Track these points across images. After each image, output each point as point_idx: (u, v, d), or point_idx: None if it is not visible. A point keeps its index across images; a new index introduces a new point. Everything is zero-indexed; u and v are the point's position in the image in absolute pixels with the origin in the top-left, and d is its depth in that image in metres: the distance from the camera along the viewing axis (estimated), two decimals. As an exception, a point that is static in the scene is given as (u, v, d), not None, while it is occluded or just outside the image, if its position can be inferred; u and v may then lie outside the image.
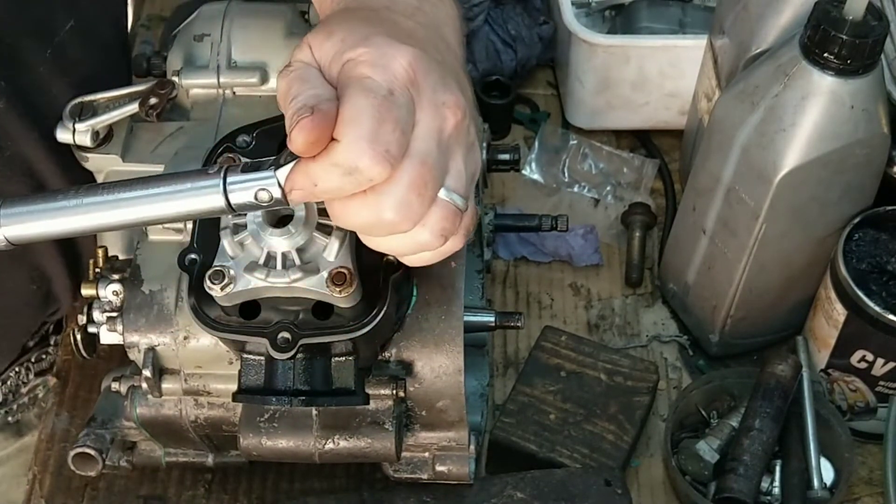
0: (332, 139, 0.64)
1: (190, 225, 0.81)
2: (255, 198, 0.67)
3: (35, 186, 0.96)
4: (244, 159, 0.78)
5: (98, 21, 0.97)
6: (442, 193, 0.68)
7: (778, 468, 0.99)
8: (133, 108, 0.91)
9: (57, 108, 0.91)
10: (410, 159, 0.65)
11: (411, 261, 0.73)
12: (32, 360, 1.12)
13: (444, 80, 0.68)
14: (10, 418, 1.13)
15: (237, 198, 0.67)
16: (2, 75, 0.89)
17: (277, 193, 0.67)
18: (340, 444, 0.86)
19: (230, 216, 0.75)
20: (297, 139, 0.63)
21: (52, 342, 1.13)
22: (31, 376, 1.12)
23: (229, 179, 0.67)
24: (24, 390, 1.13)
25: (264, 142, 0.80)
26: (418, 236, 0.68)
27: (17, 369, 1.10)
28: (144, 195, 0.68)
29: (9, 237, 0.70)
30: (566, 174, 1.25)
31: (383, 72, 0.65)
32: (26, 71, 0.91)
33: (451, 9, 0.82)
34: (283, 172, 0.66)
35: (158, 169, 0.90)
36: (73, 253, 1.03)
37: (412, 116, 0.66)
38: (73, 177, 0.95)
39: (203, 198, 0.67)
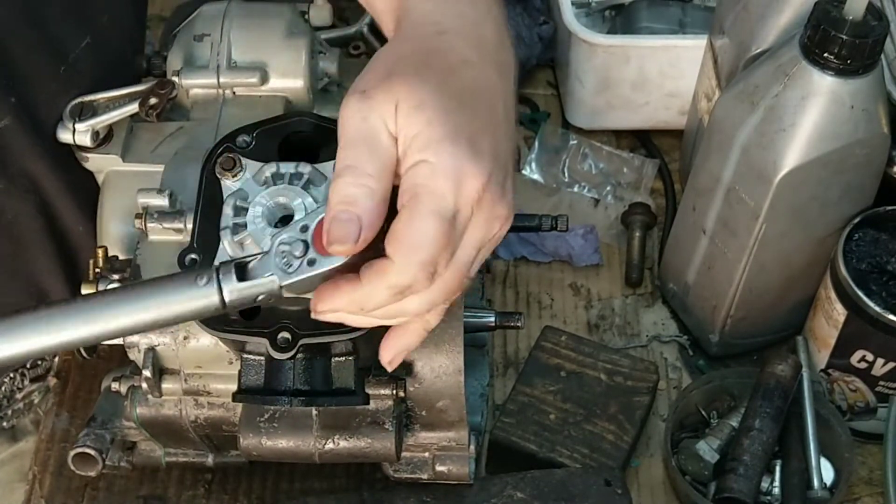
0: (384, 255, 0.66)
1: (190, 225, 0.81)
2: (255, 300, 0.67)
3: (39, 203, 0.95)
4: (244, 160, 0.78)
5: (113, 38, 0.97)
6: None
7: (778, 468, 0.99)
8: (133, 108, 0.91)
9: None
10: (451, 269, 0.68)
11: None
12: (28, 366, 1.11)
13: (503, 191, 0.69)
14: (4, 423, 1.13)
15: (234, 301, 0.67)
16: (11, 92, 0.89)
17: (279, 293, 0.67)
18: (340, 444, 0.86)
19: (231, 217, 0.75)
20: (336, 243, 0.66)
21: None
22: (27, 382, 1.11)
23: (226, 290, 0.66)
24: (18, 396, 1.12)
25: (264, 142, 0.80)
26: (417, 324, 0.73)
27: (11, 375, 1.10)
28: (139, 307, 0.67)
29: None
30: (566, 174, 1.25)
31: (456, 192, 0.66)
32: (37, 87, 0.91)
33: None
34: (290, 279, 0.67)
35: (158, 169, 0.90)
36: (73, 269, 1.03)
37: (464, 232, 0.68)
38: (77, 193, 0.95)
39: (200, 305, 0.67)
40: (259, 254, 0.68)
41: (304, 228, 0.68)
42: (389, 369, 0.75)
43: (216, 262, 0.72)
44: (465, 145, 0.67)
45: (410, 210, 0.66)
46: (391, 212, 0.68)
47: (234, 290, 0.66)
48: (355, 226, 0.65)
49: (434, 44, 0.72)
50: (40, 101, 0.91)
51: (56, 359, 1.11)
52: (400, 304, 0.68)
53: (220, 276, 0.66)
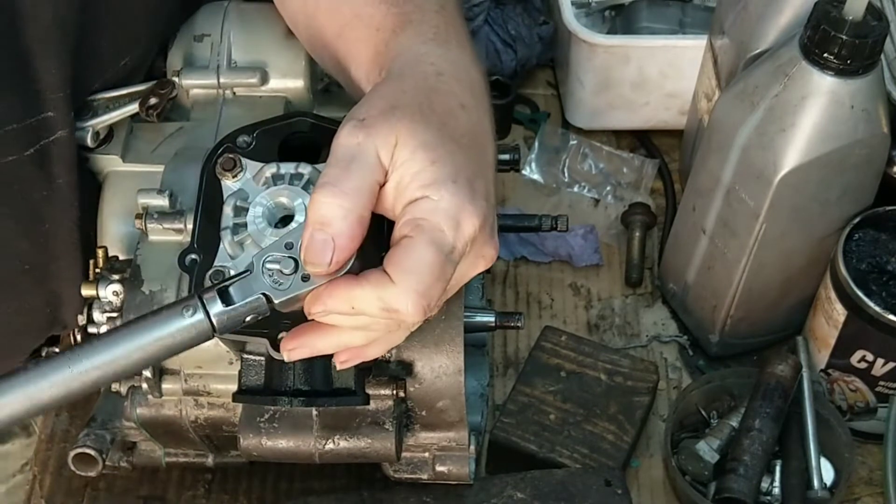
0: (385, 273, 0.67)
1: (190, 225, 0.81)
2: (244, 321, 0.67)
3: (78, 216, 0.95)
4: (245, 160, 0.78)
5: (149, 58, 0.98)
6: None
7: (778, 468, 0.99)
8: (133, 108, 0.91)
9: None
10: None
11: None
12: None
13: (492, 232, 0.71)
14: None
15: (225, 325, 0.67)
16: (73, 104, 0.90)
17: (267, 310, 0.67)
18: (340, 444, 0.86)
19: (231, 218, 0.76)
20: (310, 265, 0.67)
21: (42, 354, 1.12)
22: None
23: (214, 318, 0.66)
24: None
25: (264, 142, 0.80)
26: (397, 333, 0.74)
27: None
28: (133, 350, 0.65)
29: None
30: (566, 174, 1.25)
31: (455, 229, 0.68)
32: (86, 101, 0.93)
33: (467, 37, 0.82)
34: (284, 296, 0.67)
35: (158, 169, 0.90)
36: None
37: (455, 270, 0.69)
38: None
39: (192, 336, 0.66)
40: (239, 275, 0.68)
41: (290, 246, 0.68)
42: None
43: (195, 289, 0.72)
44: (466, 186, 0.69)
45: (412, 239, 0.67)
46: (378, 235, 0.70)
47: (222, 314, 0.66)
48: (329, 248, 0.66)
49: (434, 84, 0.74)
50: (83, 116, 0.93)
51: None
52: (375, 329, 0.70)
53: (207, 305, 0.66)
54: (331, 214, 0.66)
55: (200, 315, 0.65)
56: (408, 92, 0.72)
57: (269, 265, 0.67)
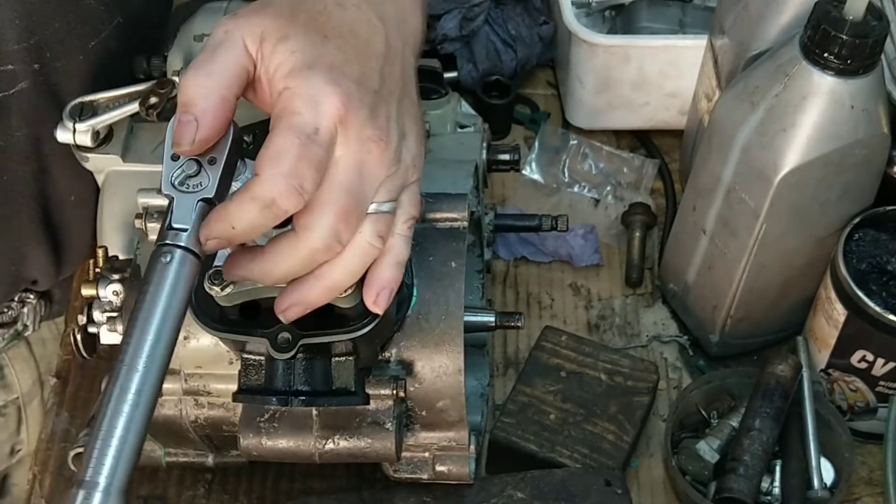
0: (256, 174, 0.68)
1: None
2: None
3: (36, 169, 0.96)
4: (245, 160, 0.78)
5: (142, 22, 0.99)
6: (371, 208, 0.72)
7: (778, 468, 0.99)
8: (133, 107, 0.91)
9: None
10: (332, 191, 0.69)
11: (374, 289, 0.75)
12: None
13: (373, 115, 0.72)
14: None
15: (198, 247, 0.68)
16: (36, 58, 0.91)
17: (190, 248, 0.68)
18: (340, 444, 0.86)
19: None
20: (175, 145, 0.69)
21: (15, 299, 1.12)
22: None
23: (185, 243, 0.68)
24: None
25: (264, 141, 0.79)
26: (357, 248, 0.72)
27: None
28: (160, 323, 0.66)
29: None
30: (566, 174, 1.25)
31: (314, 111, 0.69)
32: (63, 57, 0.93)
33: None
34: (186, 236, 0.68)
35: (158, 169, 0.89)
36: (58, 238, 1.04)
37: (331, 153, 0.70)
38: (75, 164, 0.96)
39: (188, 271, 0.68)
40: (167, 209, 0.70)
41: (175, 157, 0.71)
42: (287, 318, 0.73)
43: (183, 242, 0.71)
44: (324, 71, 0.70)
45: (272, 130, 0.69)
46: None
47: (189, 238, 0.68)
48: (192, 126, 0.68)
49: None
50: (64, 72, 0.93)
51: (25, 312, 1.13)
52: (302, 239, 0.69)
53: (174, 240, 0.68)
54: (193, 94, 0.69)
55: (178, 251, 0.68)
56: (294, 19, 0.74)
57: (178, 185, 0.70)
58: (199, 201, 0.69)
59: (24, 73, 0.91)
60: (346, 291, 0.73)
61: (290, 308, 0.73)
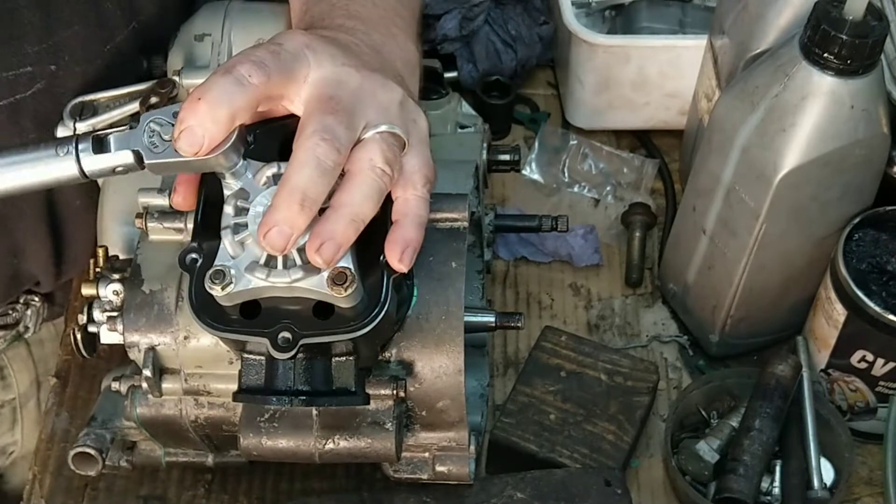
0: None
1: (191, 225, 0.81)
2: (113, 172, 0.72)
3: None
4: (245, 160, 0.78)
5: (157, 28, 0.99)
6: (368, 134, 0.74)
7: (778, 468, 0.99)
8: (133, 107, 0.91)
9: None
10: (314, 88, 0.74)
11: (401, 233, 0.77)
12: None
13: (384, 80, 0.77)
14: None
15: (94, 172, 0.72)
16: (53, 59, 0.92)
17: (137, 168, 0.72)
18: (340, 444, 0.86)
19: (232, 217, 0.75)
20: (180, 126, 0.71)
21: (20, 301, 1.12)
22: None
23: (84, 162, 0.71)
24: None
25: (265, 142, 0.79)
26: (368, 172, 0.73)
27: None
28: (5, 165, 0.71)
29: None
30: (566, 174, 1.25)
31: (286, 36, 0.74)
32: (79, 60, 0.93)
33: None
34: (155, 160, 0.71)
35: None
36: (62, 243, 1.04)
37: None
38: None
39: (61, 174, 0.71)
40: (125, 126, 0.72)
41: (176, 114, 0.71)
42: (324, 258, 0.73)
43: (80, 132, 0.79)
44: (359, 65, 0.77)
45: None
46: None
47: (92, 161, 0.71)
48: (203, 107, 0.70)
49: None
50: (78, 75, 0.94)
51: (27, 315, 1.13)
52: (304, 147, 0.72)
53: (79, 149, 0.71)
54: (219, 85, 0.71)
55: (71, 156, 0.70)
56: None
57: (152, 125, 0.71)
58: (134, 150, 0.71)
59: (41, 75, 0.91)
60: (346, 291, 0.73)
61: (323, 246, 0.71)
